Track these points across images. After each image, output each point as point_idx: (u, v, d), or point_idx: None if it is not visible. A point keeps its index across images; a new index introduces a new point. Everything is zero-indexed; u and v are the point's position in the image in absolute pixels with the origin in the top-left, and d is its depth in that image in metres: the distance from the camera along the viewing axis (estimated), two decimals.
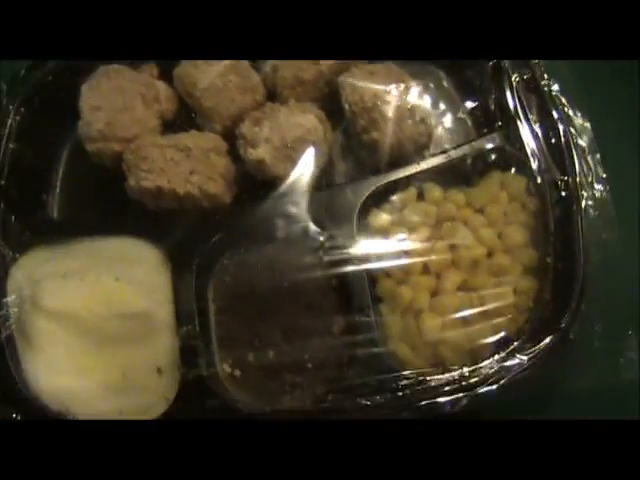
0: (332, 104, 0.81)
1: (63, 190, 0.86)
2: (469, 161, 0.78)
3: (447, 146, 0.81)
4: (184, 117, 0.85)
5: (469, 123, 0.84)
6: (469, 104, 0.84)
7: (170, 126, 0.84)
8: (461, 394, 0.70)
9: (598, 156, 0.76)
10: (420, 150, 0.79)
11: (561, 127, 0.76)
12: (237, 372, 0.74)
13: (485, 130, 0.80)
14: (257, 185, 0.79)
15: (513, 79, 0.78)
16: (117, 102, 0.81)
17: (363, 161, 0.81)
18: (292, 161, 0.77)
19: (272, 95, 0.83)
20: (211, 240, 0.76)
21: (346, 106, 0.78)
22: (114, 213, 0.80)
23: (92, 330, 0.74)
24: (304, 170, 0.77)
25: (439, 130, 0.83)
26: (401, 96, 0.77)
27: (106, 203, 0.82)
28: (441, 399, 0.70)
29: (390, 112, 0.76)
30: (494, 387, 0.70)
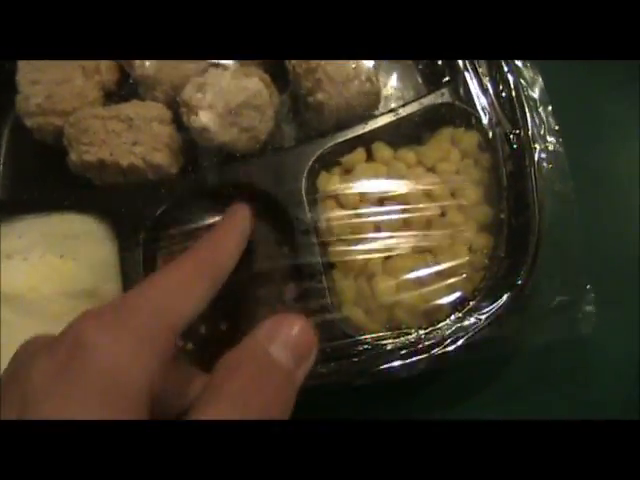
0: (278, 67, 0.78)
1: (6, 168, 0.83)
2: (418, 118, 0.75)
3: (395, 104, 0.78)
4: (126, 87, 0.82)
5: (418, 79, 0.81)
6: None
7: (112, 97, 0.81)
8: (418, 357, 0.68)
9: (550, 108, 0.74)
10: (369, 110, 0.77)
11: (511, 79, 0.74)
12: (190, 345, 0.73)
13: (433, 87, 0.77)
14: (203, 153, 0.77)
15: None
16: (56, 75, 0.78)
17: (310, 124, 0.78)
18: (237, 127, 0.75)
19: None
20: (157, 212, 0.73)
21: (290, 68, 0.76)
22: (58, 189, 0.77)
23: (38, 310, 0.72)
24: (250, 135, 0.75)
25: (388, 88, 0.80)
26: None
27: (50, 179, 0.79)
28: (397, 363, 0.68)
29: (335, 72, 0.73)
30: (451, 348, 0.68)
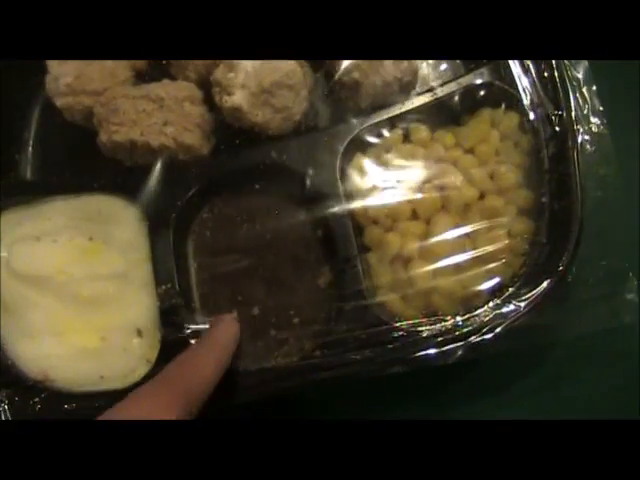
0: None
1: (36, 149, 0.81)
2: (457, 99, 0.73)
3: (434, 83, 0.75)
4: (158, 67, 0.80)
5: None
6: None
7: (143, 77, 0.79)
8: (455, 344, 0.67)
9: (594, 88, 0.71)
10: (405, 89, 0.75)
11: None
12: None
13: (473, 65, 0.75)
14: (235, 134, 0.75)
15: None
16: None
17: (346, 103, 0.76)
18: (271, 106, 0.73)
19: None
20: (188, 194, 0.72)
21: None
22: (88, 170, 0.76)
23: (68, 293, 0.71)
24: (284, 115, 0.73)
25: (425, 67, 0.78)
26: None
27: (80, 160, 0.78)
28: (433, 350, 0.66)
29: None
30: (489, 336, 0.67)
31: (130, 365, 0.70)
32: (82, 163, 0.77)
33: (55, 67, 0.76)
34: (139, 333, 0.70)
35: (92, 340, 0.70)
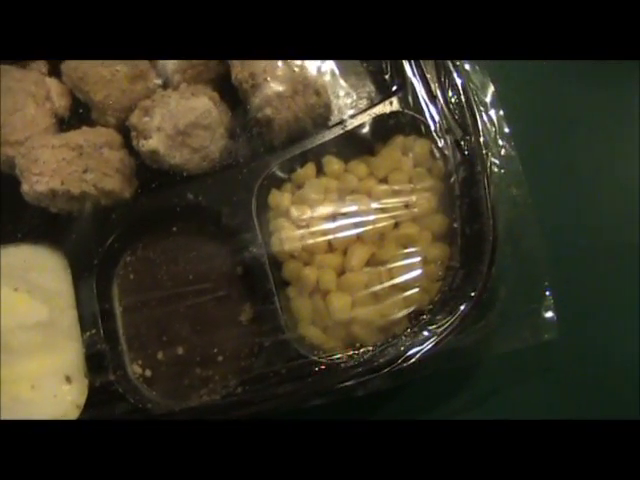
0: (226, 83, 0.77)
1: None
2: (368, 129, 0.74)
3: (344, 117, 0.76)
4: (79, 112, 0.81)
5: (372, 87, 0.80)
6: (367, 67, 0.80)
7: (65, 122, 0.81)
8: (374, 374, 0.67)
9: (501, 112, 0.72)
10: (320, 122, 0.76)
11: (460, 84, 0.73)
12: (148, 372, 0.73)
13: (382, 95, 0.76)
14: (154, 176, 0.76)
15: None
16: (6, 104, 0.78)
17: (261, 140, 0.77)
18: (188, 147, 0.74)
19: (165, 81, 0.79)
20: (110, 239, 0.73)
21: (237, 84, 0.75)
22: (13, 218, 0.77)
23: None
24: (201, 155, 0.74)
25: (341, 98, 0.79)
26: (292, 69, 0.73)
27: (5, 210, 0.78)
28: (353, 381, 0.67)
29: (282, 86, 0.73)
30: (409, 363, 0.67)
31: (60, 411, 0.71)
32: (7, 212, 0.78)
33: None
34: (68, 379, 0.71)
35: (23, 389, 0.71)
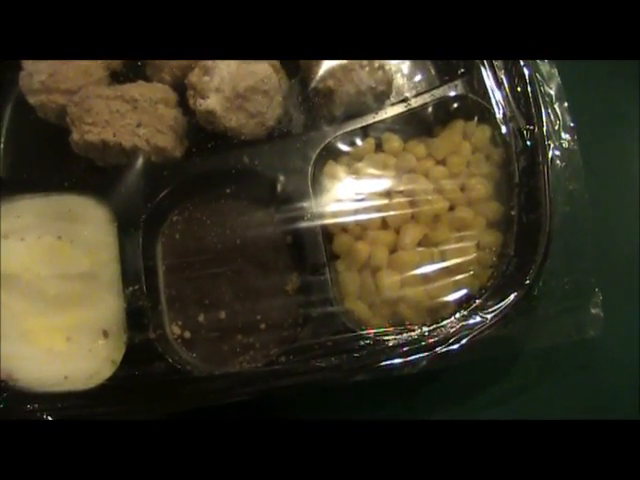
0: None
1: (7, 146, 0.81)
2: (430, 110, 0.73)
3: (408, 94, 0.76)
4: (133, 67, 0.80)
5: (431, 70, 0.79)
6: None
7: (118, 77, 0.79)
8: (420, 354, 0.66)
9: (566, 104, 0.72)
10: (380, 99, 0.75)
11: (527, 73, 0.72)
12: (187, 334, 0.71)
13: (447, 77, 0.75)
14: (208, 137, 0.75)
15: None
16: None
17: (320, 110, 0.76)
18: (244, 111, 0.73)
19: None
20: (159, 196, 0.71)
21: None
22: (59, 169, 0.76)
23: (35, 292, 0.71)
24: (257, 120, 0.73)
25: (400, 78, 0.78)
26: None
27: (52, 159, 0.77)
28: (399, 360, 0.66)
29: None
30: (455, 347, 0.67)
31: (95, 366, 0.69)
32: (54, 161, 0.77)
33: (29, 64, 0.76)
34: (105, 334, 0.70)
35: (58, 341, 0.70)
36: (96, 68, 0.77)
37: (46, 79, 0.75)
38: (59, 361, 0.70)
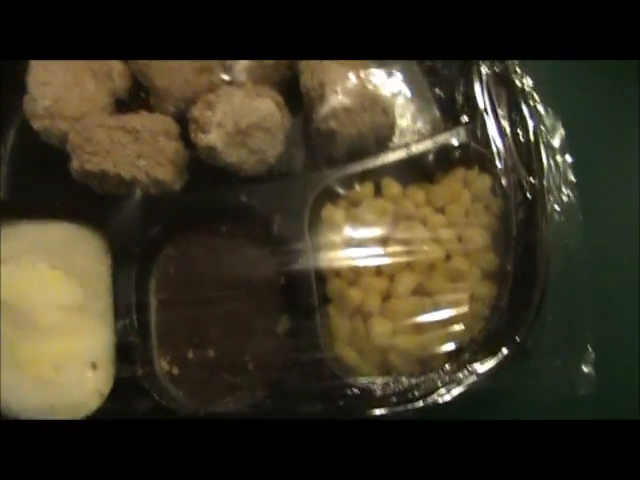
0: (294, 88, 0.76)
1: (11, 169, 0.81)
2: (432, 156, 0.73)
3: (409, 140, 0.76)
4: (138, 96, 0.80)
5: (436, 113, 0.79)
6: (437, 93, 0.78)
7: (122, 105, 0.79)
8: (407, 406, 0.66)
9: (569, 158, 0.71)
10: (382, 142, 0.75)
11: (531, 124, 0.72)
12: (175, 370, 0.71)
13: (450, 124, 0.75)
14: (208, 172, 0.75)
15: (483, 71, 0.73)
16: (66, 77, 0.76)
17: (321, 150, 0.76)
18: (246, 148, 0.73)
19: (231, 76, 0.78)
20: (155, 229, 0.72)
21: (304, 91, 0.74)
22: (59, 194, 0.75)
23: (26, 320, 0.71)
24: (258, 157, 0.73)
25: (404, 120, 0.78)
26: (363, 84, 0.72)
27: (52, 184, 0.76)
28: (384, 410, 0.66)
29: (350, 101, 0.71)
30: (442, 400, 0.66)
31: (82, 398, 0.69)
32: (54, 186, 0.76)
33: (34, 88, 0.75)
34: (94, 366, 0.70)
35: (46, 370, 0.70)
36: (101, 95, 0.77)
37: (50, 105, 0.74)
38: (46, 390, 0.70)
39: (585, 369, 0.69)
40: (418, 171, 0.74)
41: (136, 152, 0.72)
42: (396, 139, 0.77)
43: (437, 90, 0.79)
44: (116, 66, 0.79)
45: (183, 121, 0.76)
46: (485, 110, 0.73)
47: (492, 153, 0.72)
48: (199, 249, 0.74)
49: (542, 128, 0.72)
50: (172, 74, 0.76)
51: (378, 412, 0.66)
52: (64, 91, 0.75)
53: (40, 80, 0.76)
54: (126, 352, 0.69)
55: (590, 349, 0.69)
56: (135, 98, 0.80)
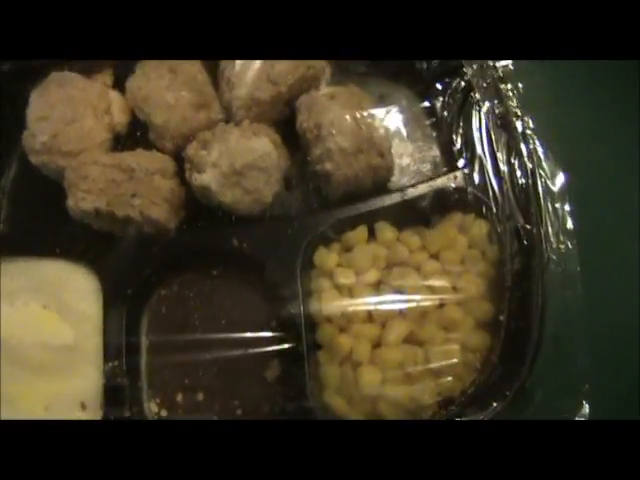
0: (289, 128, 0.75)
1: (10, 202, 0.81)
2: (428, 201, 0.71)
3: (406, 183, 0.74)
4: (137, 132, 0.79)
5: (437, 152, 0.77)
6: (436, 135, 0.77)
7: (122, 141, 0.79)
8: None
9: (567, 206, 0.69)
10: (380, 183, 0.73)
11: (529, 167, 0.70)
12: (164, 412, 0.71)
13: (448, 167, 0.74)
14: (204, 211, 0.74)
15: (483, 112, 0.71)
16: (65, 113, 0.76)
17: (317, 192, 0.75)
18: (241, 188, 0.72)
19: (229, 113, 0.77)
20: (147, 270, 0.71)
21: (301, 132, 0.73)
22: (55, 232, 0.75)
23: (18, 359, 0.71)
24: (254, 197, 0.72)
25: (404, 159, 0.76)
26: (360, 125, 0.70)
27: (49, 219, 0.76)
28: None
29: (346, 143, 0.70)
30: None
31: None
32: (50, 222, 0.76)
33: (33, 123, 0.76)
34: (83, 406, 0.70)
35: (36, 408, 0.70)
36: (99, 130, 0.77)
37: (48, 140, 0.75)
38: None
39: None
40: (414, 215, 0.72)
41: (131, 191, 0.72)
42: (396, 179, 0.75)
43: (435, 132, 0.76)
44: (116, 101, 0.79)
45: (181, 158, 0.75)
46: (484, 153, 0.71)
47: (489, 198, 0.70)
48: (191, 291, 0.74)
49: (541, 173, 0.69)
50: (170, 110, 0.75)
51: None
52: (63, 126, 0.75)
53: (39, 115, 0.76)
54: (114, 394, 0.69)
55: (586, 405, 0.66)
56: (134, 134, 0.79)
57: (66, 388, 0.71)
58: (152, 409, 0.71)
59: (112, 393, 0.69)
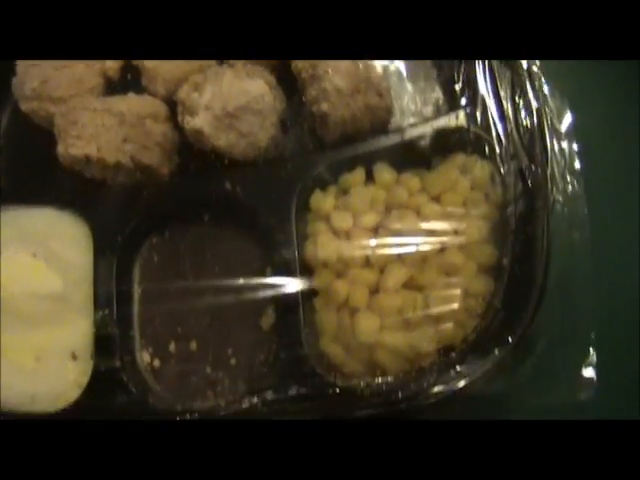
0: (285, 69, 0.72)
1: (3, 153, 0.79)
2: (428, 141, 0.68)
3: (405, 124, 0.71)
4: (129, 77, 0.77)
5: (440, 94, 0.74)
6: (437, 73, 0.74)
7: (114, 86, 0.76)
8: (390, 407, 0.62)
9: (575, 145, 0.66)
10: (378, 125, 0.70)
11: (535, 106, 0.66)
12: (156, 362, 0.69)
13: (449, 106, 0.70)
14: (195, 157, 0.72)
15: None
16: None
17: (313, 135, 0.72)
18: (235, 131, 0.70)
19: None
20: (138, 217, 0.69)
21: (296, 73, 0.70)
22: (45, 180, 0.74)
23: (7, 309, 0.69)
24: (249, 141, 0.69)
25: (405, 101, 0.73)
26: (357, 65, 0.68)
27: (41, 168, 0.75)
28: (366, 411, 0.62)
29: (343, 82, 0.67)
30: (430, 402, 0.62)
31: (62, 388, 0.68)
32: (42, 171, 0.74)
33: (22, 70, 0.74)
34: (74, 357, 0.69)
35: (27, 359, 0.69)
36: (90, 76, 0.75)
37: (37, 86, 0.73)
38: (27, 380, 0.69)
39: (586, 373, 0.64)
40: (413, 156, 0.69)
41: (121, 136, 0.70)
42: (396, 121, 0.72)
43: (437, 71, 0.73)
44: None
45: (173, 103, 0.72)
46: (487, 90, 0.68)
47: (492, 138, 0.67)
48: (183, 238, 0.72)
49: (547, 111, 0.66)
50: None
51: (359, 413, 0.62)
52: (52, 72, 0.73)
53: (29, 61, 0.73)
54: (106, 344, 0.67)
55: (592, 351, 0.63)
56: (126, 77, 0.77)
57: (56, 338, 0.69)
58: (145, 358, 0.69)
59: (103, 343, 0.67)
